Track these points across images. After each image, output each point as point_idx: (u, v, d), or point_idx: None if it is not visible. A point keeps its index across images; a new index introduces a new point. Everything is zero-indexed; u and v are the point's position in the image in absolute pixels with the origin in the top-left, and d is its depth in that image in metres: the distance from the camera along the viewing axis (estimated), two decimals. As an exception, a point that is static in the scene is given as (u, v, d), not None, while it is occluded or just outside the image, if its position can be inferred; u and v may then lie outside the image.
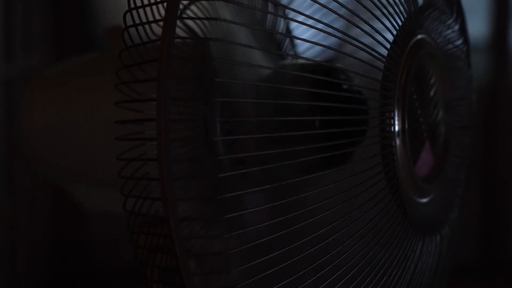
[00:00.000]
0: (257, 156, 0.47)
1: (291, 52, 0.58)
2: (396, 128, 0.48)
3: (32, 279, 1.46)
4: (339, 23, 0.46)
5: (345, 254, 0.46)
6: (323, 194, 0.45)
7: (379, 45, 0.48)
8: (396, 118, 0.48)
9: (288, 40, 0.58)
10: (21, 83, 1.31)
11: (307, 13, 0.46)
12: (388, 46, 0.48)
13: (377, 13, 0.47)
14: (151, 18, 0.46)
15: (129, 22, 0.46)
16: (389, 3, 0.48)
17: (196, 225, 0.46)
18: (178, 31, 0.49)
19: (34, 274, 1.48)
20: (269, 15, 0.56)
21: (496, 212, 1.74)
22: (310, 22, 0.45)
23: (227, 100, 0.50)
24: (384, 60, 0.48)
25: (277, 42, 0.58)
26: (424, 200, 0.51)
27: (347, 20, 0.46)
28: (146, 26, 0.46)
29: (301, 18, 0.45)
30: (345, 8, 0.46)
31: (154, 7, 0.47)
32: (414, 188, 0.50)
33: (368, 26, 0.47)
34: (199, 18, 0.53)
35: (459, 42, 0.57)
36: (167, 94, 0.41)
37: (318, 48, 0.51)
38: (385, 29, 0.48)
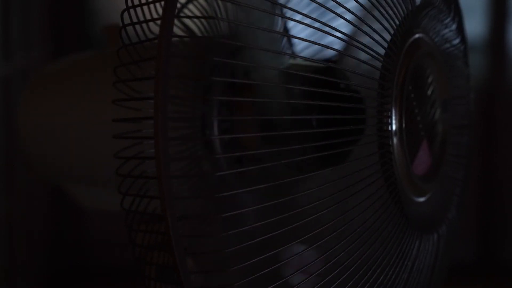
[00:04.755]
0: (255, 155, 0.47)
1: (288, 51, 0.58)
2: (394, 127, 0.48)
3: (31, 278, 1.46)
4: (336, 23, 0.46)
5: (343, 253, 0.46)
6: (320, 192, 0.45)
7: (377, 44, 0.47)
8: (394, 117, 0.48)
9: (285, 39, 0.58)
10: (20, 82, 1.31)
11: (304, 12, 0.46)
12: (386, 45, 0.48)
13: (375, 12, 0.47)
14: (148, 17, 0.46)
15: (127, 20, 0.46)
16: (387, 2, 0.48)
17: (193, 224, 0.46)
18: (176, 29, 0.49)
19: (32, 273, 1.47)
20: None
21: (493, 211, 1.74)
22: (307, 21, 0.45)
23: (225, 99, 0.50)
24: (382, 59, 0.48)
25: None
26: (422, 199, 0.51)
27: (345, 20, 0.46)
28: (144, 25, 0.46)
29: (298, 17, 0.45)
30: (343, 8, 0.46)
31: (151, 5, 0.47)
32: (411, 187, 0.50)
33: (366, 25, 0.47)
34: (197, 17, 0.53)
35: (457, 41, 0.57)
36: (165, 92, 0.41)
37: (315, 47, 0.51)
38: (383, 28, 0.48)
